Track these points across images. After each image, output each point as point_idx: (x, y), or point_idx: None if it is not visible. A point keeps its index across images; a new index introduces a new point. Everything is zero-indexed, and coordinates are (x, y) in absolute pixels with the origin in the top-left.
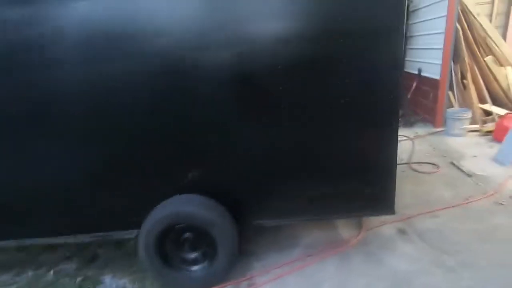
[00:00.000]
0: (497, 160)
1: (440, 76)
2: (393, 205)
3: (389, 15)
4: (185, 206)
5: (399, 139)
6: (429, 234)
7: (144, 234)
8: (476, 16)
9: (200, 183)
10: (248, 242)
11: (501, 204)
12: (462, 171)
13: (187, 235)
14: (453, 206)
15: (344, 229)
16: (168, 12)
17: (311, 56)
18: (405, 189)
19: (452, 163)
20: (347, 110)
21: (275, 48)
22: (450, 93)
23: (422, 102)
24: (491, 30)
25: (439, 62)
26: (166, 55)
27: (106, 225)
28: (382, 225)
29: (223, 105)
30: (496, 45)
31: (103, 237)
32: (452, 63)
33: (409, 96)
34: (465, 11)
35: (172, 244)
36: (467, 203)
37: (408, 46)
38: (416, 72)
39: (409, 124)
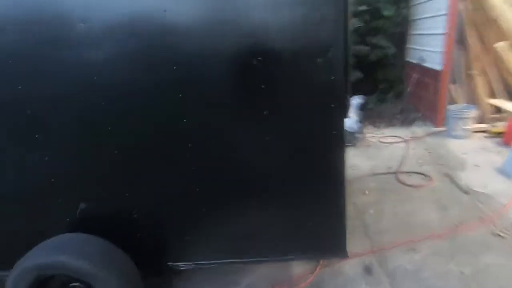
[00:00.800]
0: (505, 171)
1: (442, 66)
2: (345, 246)
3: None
4: (56, 252)
5: (391, 140)
6: (401, 276)
7: (12, 282)
8: None
9: (90, 220)
10: (174, 282)
11: (500, 235)
12: (458, 186)
13: (75, 284)
14: (439, 236)
15: (298, 263)
16: None
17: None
18: (385, 207)
19: (448, 175)
20: (274, 128)
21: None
22: (454, 86)
23: (423, 96)
24: (504, 10)
25: (441, 49)
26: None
27: None
28: (347, 259)
29: (118, 124)
30: (511, 27)
31: None
32: (457, 50)
33: (409, 90)
34: None
35: None
36: (457, 232)
37: (411, 32)
38: (417, 61)
39: (408, 122)
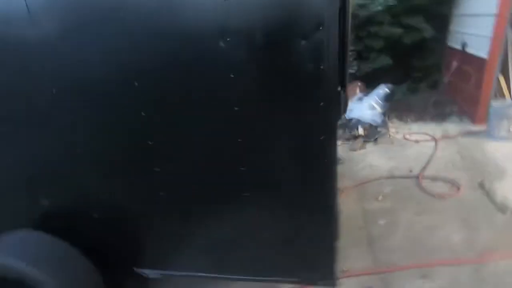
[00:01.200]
0: None
1: (489, 53)
2: (333, 272)
3: None
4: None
5: (419, 138)
6: None
7: None
8: None
9: (50, 218)
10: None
11: None
12: (492, 200)
13: None
14: (461, 262)
15: None
16: None
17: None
18: (399, 218)
19: (482, 184)
20: (247, 129)
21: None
22: (501, 78)
23: (462, 88)
24: None
25: (489, 33)
26: None
27: None
28: (344, 278)
29: (76, 115)
30: None
31: None
32: (510, 34)
33: (447, 79)
34: None
35: None
36: (485, 259)
37: (455, 12)
38: (459, 47)
39: (441, 117)
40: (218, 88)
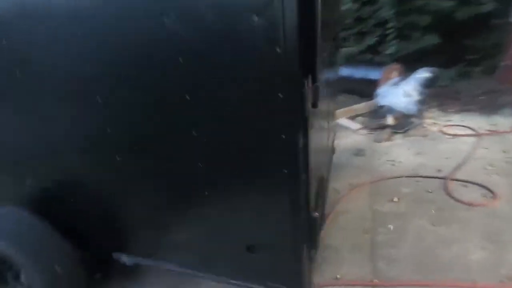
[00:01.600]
0: None
1: None
2: (302, 283)
3: None
4: None
5: (458, 132)
6: None
7: None
8: None
9: (34, 197)
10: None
11: None
12: None
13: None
14: (476, 287)
15: None
16: None
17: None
18: (411, 225)
19: None
20: (201, 120)
21: None
22: None
23: None
24: None
25: None
26: None
27: None
28: (333, 286)
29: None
30: None
31: None
32: None
33: (505, 63)
34: None
35: None
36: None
37: None
38: None
39: (492, 108)
40: (165, 73)
